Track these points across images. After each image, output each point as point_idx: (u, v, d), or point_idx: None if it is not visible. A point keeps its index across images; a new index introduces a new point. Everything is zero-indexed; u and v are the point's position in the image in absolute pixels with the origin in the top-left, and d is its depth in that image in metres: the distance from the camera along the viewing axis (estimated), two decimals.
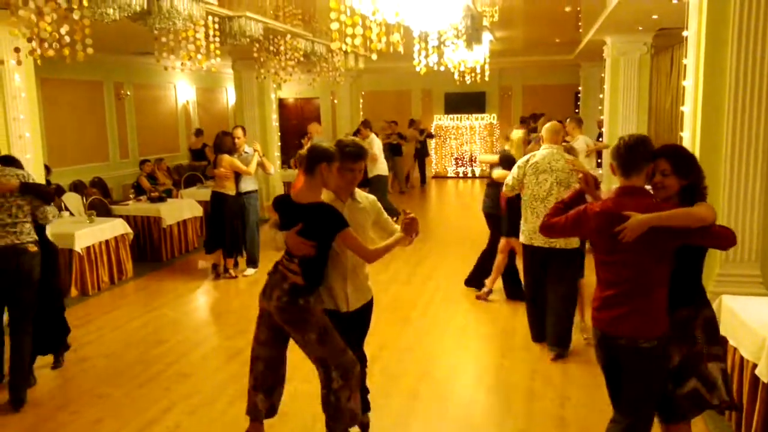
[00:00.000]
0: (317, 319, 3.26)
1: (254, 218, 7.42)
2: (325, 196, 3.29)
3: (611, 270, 2.78)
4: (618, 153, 2.78)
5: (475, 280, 6.54)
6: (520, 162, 4.97)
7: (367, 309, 3.59)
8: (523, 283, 5.45)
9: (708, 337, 2.91)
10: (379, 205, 3.52)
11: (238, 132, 7.36)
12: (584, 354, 4.85)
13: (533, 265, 4.99)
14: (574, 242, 4.80)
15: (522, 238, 5.01)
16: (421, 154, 15.59)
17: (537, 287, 5.00)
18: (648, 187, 2.86)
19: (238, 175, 7.17)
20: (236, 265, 7.45)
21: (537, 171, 4.81)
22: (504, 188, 5.14)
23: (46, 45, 4.10)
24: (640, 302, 2.71)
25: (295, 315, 3.23)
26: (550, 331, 4.88)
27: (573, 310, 4.93)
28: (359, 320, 3.56)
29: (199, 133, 13.19)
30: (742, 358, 3.50)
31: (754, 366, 3.31)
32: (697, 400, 2.88)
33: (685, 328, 2.87)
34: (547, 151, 4.86)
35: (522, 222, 5.00)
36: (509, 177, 5.02)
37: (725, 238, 2.74)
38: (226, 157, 7.07)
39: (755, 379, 3.32)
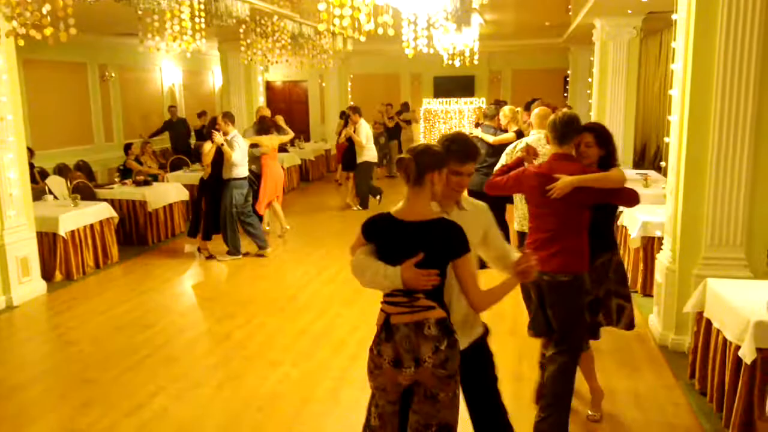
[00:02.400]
0: (457, 368, 2.47)
1: (229, 203, 7.27)
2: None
3: (541, 219, 3.40)
4: (554, 127, 3.39)
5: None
6: (508, 149, 4.93)
7: (479, 348, 2.71)
8: None
9: (618, 279, 3.67)
10: (491, 215, 2.74)
11: (219, 119, 7.34)
12: None
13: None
14: None
15: (516, 225, 4.99)
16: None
17: None
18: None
19: (220, 161, 7.20)
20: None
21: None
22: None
23: (27, 25, 4.01)
24: (561, 245, 3.32)
25: (451, 367, 2.42)
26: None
27: None
28: (473, 362, 2.67)
29: (201, 114, 13.25)
30: (725, 340, 3.54)
31: (737, 348, 3.34)
32: (598, 328, 3.68)
33: (605, 271, 3.61)
34: (536, 136, 4.86)
35: (514, 209, 5.00)
36: (498, 163, 4.95)
37: (632, 199, 3.46)
38: (206, 144, 7.26)
39: (738, 361, 3.36)
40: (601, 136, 3.51)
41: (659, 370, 4.35)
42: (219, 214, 7.32)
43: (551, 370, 3.36)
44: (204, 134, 13.28)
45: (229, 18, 6.24)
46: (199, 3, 5.71)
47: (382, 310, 2.54)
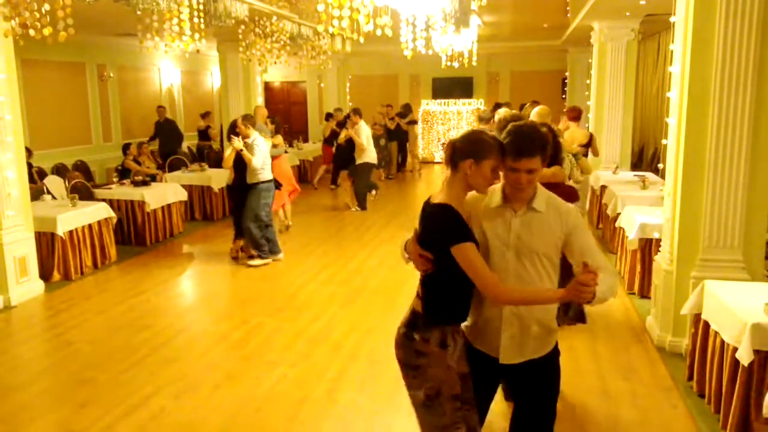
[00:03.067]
0: (434, 374, 2.41)
1: (250, 209, 6.97)
2: (491, 199, 2.44)
3: None
4: (499, 127, 3.58)
5: None
6: None
7: (536, 368, 2.46)
8: None
9: (568, 272, 3.39)
10: (580, 220, 2.44)
11: (239, 122, 6.98)
12: (564, 335, 4.90)
13: None
14: None
15: None
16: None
17: None
18: None
19: (243, 165, 6.92)
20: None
21: None
22: None
23: (26, 25, 4.01)
24: None
25: (407, 355, 2.47)
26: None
27: None
28: (523, 381, 2.51)
29: (205, 115, 13.30)
30: (723, 341, 3.55)
31: (735, 350, 3.35)
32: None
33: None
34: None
35: None
36: None
37: (570, 194, 3.81)
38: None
39: (735, 363, 3.37)
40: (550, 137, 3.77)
41: (657, 371, 4.36)
42: (236, 217, 7.16)
43: None
44: (208, 135, 13.29)
45: (228, 18, 6.25)
46: (198, 3, 5.71)
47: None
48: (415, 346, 2.44)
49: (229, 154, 6.93)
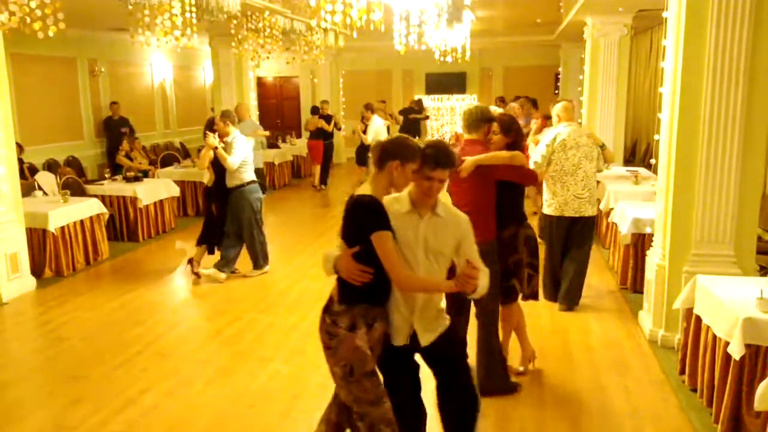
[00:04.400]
0: (343, 354, 2.68)
1: (237, 215, 6.42)
2: (401, 205, 2.77)
3: (458, 195, 3.83)
4: (466, 117, 3.93)
5: None
6: (546, 141, 5.28)
7: (443, 342, 2.88)
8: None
9: (530, 251, 4.07)
10: (469, 227, 2.87)
11: (217, 119, 6.47)
12: (558, 328, 4.92)
13: (560, 234, 5.35)
14: (594, 210, 5.35)
15: (550, 210, 5.33)
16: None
17: (560, 255, 5.40)
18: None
19: (221, 168, 6.31)
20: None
21: (565, 147, 5.19)
22: (533, 165, 5.10)
23: (15, 18, 3.97)
24: (474, 218, 3.43)
25: (323, 336, 2.76)
26: (565, 292, 5.39)
27: (585, 273, 5.48)
28: (438, 353, 2.91)
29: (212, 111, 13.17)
30: (714, 336, 3.57)
31: (727, 344, 3.37)
32: (513, 292, 4.06)
33: (512, 242, 4.00)
34: (570, 128, 5.27)
35: (550, 195, 5.32)
36: (538, 155, 5.25)
37: (528, 177, 4.04)
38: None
39: (727, 357, 3.39)
40: (504, 124, 3.99)
41: (649, 366, 4.38)
42: (228, 226, 6.43)
43: (478, 333, 3.90)
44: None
45: (220, 13, 6.21)
46: None
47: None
48: (327, 328, 2.72)
49: (204, 152, 6.31)
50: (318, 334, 2.81)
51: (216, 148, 6.18)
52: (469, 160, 3.73)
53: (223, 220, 6.45)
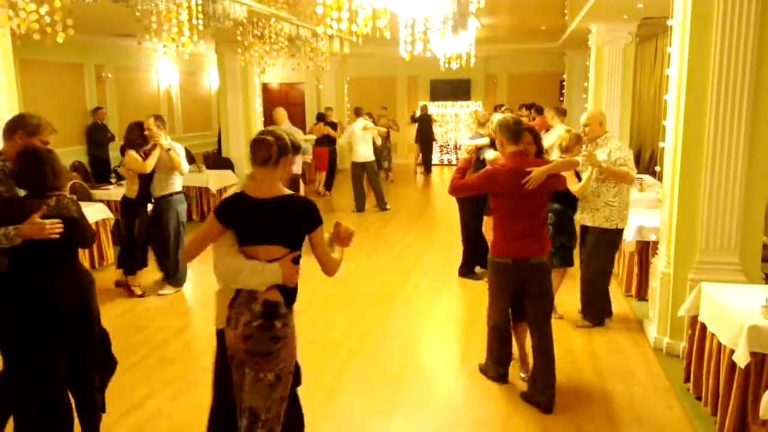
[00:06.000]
0: (286, 355, 2.73)
1: (168, 226, 6.10)
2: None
3: (517, 212, 3.85)
4: (508, 128, 3.86)
5: (467, 267, 6.62)
6: (624, 145, 5.17)
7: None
8: None
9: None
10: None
11: (149, 122, 5.94)
12: (563, 336, 4.91)
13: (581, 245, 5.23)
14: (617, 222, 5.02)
15: (625, 224, 5.11)
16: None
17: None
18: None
19: (148, 177, 5.98)
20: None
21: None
22: (635, 174, 5.03)
23: (25, 24, 4.01)
24: (539, 231, 3.85)
25: (262, 344, 2.67)
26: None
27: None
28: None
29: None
30: (720, 344, 3.56)
31: (732, 352, 3.36)
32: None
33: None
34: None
35: (625, 207, 5.03)
36: (632, 163, 4.98)
37: (564, 182, 4.32)
38: (131, 153, 5.89)
39: (732, 365, 3.37)
40: (536, 135, 4.19)
41: (654, 373, 4.37)
42: (150, 241, 6.18)
43: (547, 343, 3.97)
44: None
45: (226, 20, 6.25)
46: (197, 5, 5.72)
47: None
48: (274, 333, 2.67)
49: (153, 158, 5.85)
50: (260, 344, 2.68)
51: (169, 150, 5.88)
52: (541, 170, 3.76)
53: (147, 235, 6.15)
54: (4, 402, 3.28)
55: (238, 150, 10.93)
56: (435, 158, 16.64)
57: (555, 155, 5.50)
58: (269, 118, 9.63)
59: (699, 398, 3.88)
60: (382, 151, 12.72)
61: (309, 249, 2.80)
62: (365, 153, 10.29)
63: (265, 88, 16.63)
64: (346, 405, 3.99)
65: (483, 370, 4.36)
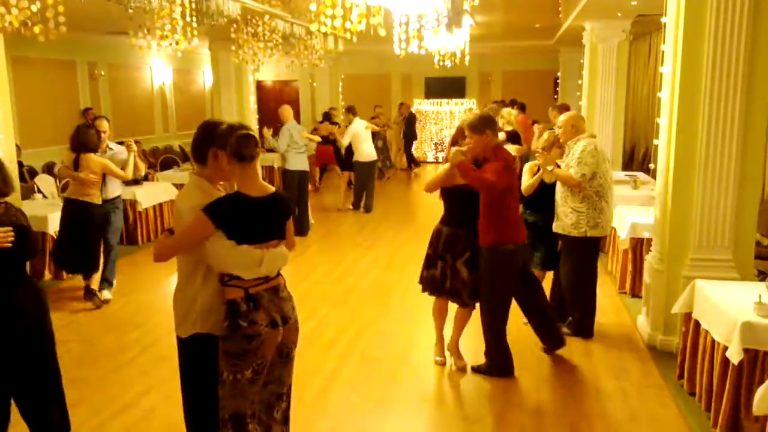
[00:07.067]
0: (265, 351, 2.66)
1: (118, 229, 6.20)
2: (202, 195, 2.72)
3: (514, 198, 4.22)
4: (493, 122, 4.26)
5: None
6: (589, 149, 4.67)
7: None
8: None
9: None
10: None
11: (103, 124, 5.92)
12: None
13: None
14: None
15: (598, 232, 4.74)
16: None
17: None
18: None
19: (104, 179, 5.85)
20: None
21: (604, 159, 4.78)
22: (578, 177, 4.62)
23: (16, 21, 3.98)
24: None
25: (234, 345, 2.60)
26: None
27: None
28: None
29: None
30: (713, 340, 3.57)
31: (725, 349, 3.38)
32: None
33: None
34: (596, 139, 4.87)
35: (597, 214, 4.68)
36: (584, 166, 4.61)
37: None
38: (93, 157, 5.67)
39: (726, 361, 3.39)
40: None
41: (648, 370, 4.39)
42: (99, 244, 5.95)
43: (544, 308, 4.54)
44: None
45: (220, 17, 6.22)
46: (191, 2, 5.69)
47: (234, 286, 2.63)
48: (244, 332, 2.58)
49: (131, 160, 5.86)
50: (231, 343, 2.62)
51: (134, 152, 5.89)
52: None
53: (99, 237, 5.91)
54: None
55: None
56: (430, 156, 16.78)
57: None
58: (264, 116, 9.61)
59: (693, 394, 3.89)
60: (383, 151, 12.81)
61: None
62: (370, 152, 10.28)
63: (260, 85, 16.59)
64: (340, 403, 3.99)
65: (484, 369, 4.33)
